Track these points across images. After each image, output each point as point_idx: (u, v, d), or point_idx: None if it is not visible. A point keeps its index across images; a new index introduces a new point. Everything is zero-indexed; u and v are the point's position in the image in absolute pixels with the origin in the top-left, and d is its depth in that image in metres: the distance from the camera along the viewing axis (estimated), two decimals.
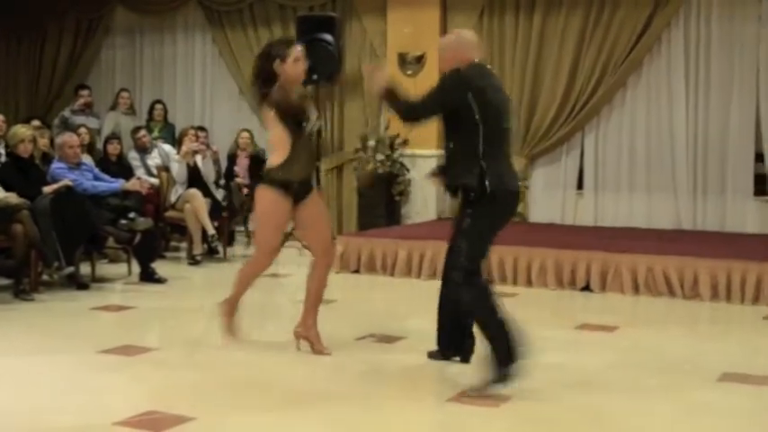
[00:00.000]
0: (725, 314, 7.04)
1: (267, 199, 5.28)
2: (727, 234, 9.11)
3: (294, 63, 5.29)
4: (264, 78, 5.28)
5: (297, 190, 5.29)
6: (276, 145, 5.30)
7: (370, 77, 5.04)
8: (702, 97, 9.45)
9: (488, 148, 4.74)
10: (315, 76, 9.38)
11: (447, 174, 4.99)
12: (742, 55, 9.28)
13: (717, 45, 9.39)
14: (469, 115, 4.73)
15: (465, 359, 5.24)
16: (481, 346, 5.20)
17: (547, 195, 10.16)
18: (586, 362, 5.45)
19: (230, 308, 5.49)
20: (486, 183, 4.69)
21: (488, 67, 5.11)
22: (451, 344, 5.26)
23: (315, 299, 5.49)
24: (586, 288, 7.68)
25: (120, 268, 8.37)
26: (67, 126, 10.09)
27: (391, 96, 4.95)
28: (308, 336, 5.45)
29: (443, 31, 10.32)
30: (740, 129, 9.30)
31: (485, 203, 4.74)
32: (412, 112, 5.01)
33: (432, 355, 5.29)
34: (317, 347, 5.41)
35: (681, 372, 5.23)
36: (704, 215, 9.44)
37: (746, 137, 9.30)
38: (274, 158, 5.29)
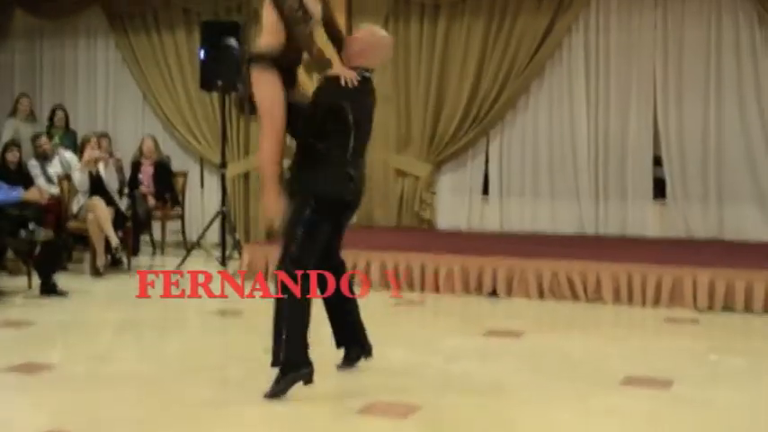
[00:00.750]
0: (627, 317, 7.19)
1: (262, 79, 4.86)
2: (628, 238, 9.34)
3: None
4: None
5: (286, 76, 4.95)
6: (267, 30, 4.93)
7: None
8: (602, 103, 9.67)
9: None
10: (219, 82, 9.34)
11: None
12: (640, 61, 9.51)
13: (615, 52, 9.60)
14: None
15: (368, 353, 5.23)
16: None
17: (453, 201, 10.26)
18: (494, 367, 5.52)
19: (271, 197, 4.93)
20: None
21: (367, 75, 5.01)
22: (352, 341, 5.25)
23: None
24: (493, 293, 7.77)
25: (20, 281, 8.14)
26: None
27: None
28: None
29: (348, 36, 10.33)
30: (639, 134, 9.53)
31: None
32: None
33: (341, 367, 5.27)
34: None
35: (585, 375, 5.32)
36: (606, 219, 9.64)
37: (645, 141, 9.54)
38: (264, 41, 4.94)
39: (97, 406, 4.68)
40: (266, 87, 4.88)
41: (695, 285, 7.24)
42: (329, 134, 4.85)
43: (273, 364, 4.75)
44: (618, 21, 9.59)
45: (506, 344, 6.16)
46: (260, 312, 7.34)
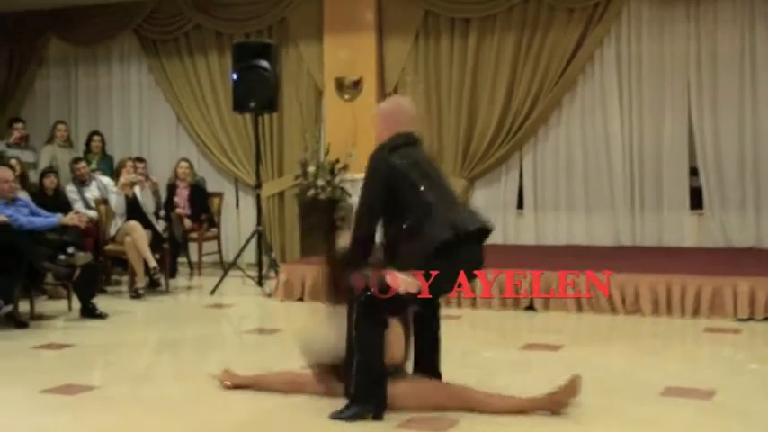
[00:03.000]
0: (666, 328, 7.12)
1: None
2: (665, 248, 9.27)
3: None
4: None
5: None
6: None
7: None
8: (636, 114, 9.63)
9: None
10: (252, 104, 9.39)
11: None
12: (673, 72, 9.47)
13: (648, 63, 9.57)
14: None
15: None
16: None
17: (487, 216, 10.19)
18: (532, 380, 5.47)
19: None
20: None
21: (416, 135, 4.95)
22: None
23: None
24: (530, 307, 7.73)
25: (60, 305, 8.23)
26: (2, 161, 9.93)
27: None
28: None
29: (379, 54, 10.39)
30: (673, 144, 9.48)
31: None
32: (359, 237, 5.06)
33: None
34: None
35: (625, 387, 5.27)
36: (642, 231, 9.59)
37: (680, 152, 9.48)
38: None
39: (139, 426, 4.71)
40: None
41: (735, 294, 7.17)
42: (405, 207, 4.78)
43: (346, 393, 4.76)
44: (649, 32, 9.56)
45: (545, 357, 6.12)
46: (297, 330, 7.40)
